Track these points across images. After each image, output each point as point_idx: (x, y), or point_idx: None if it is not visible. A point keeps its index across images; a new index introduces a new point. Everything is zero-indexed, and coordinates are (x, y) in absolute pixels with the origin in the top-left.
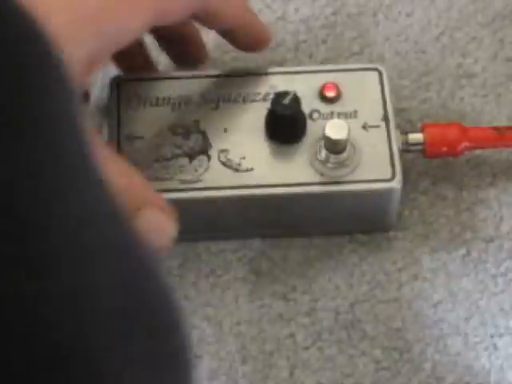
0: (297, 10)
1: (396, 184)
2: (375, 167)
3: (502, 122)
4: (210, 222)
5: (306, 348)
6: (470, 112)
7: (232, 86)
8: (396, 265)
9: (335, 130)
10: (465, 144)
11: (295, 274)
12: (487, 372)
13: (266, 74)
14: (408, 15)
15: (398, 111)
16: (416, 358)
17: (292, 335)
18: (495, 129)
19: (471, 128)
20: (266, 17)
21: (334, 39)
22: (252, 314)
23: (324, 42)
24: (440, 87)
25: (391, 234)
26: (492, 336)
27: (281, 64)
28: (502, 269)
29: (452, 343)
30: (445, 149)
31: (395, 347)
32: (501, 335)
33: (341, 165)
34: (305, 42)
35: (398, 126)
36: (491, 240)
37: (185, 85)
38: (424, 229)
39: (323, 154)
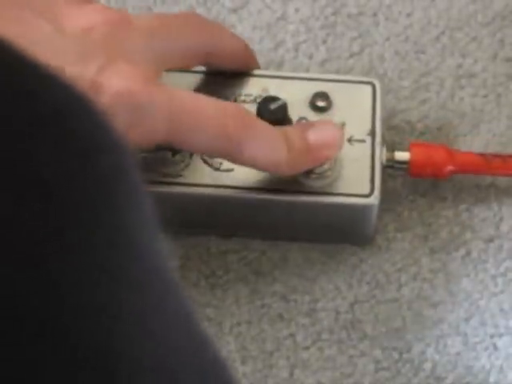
0: (297, 10)
1: (373, 200)
2: (354, 181)
3: (502, 121)
4: (186, 217)
5: (306, 348)
6: (470, 112)
7: (225, 84)
8: (396, 265)
9: None
10: (450, 168)
11: (295, 275)
12: (487, 372)
13: (261, 76)
14: (408, 15)
15: (398, 112)
16: (416, 358)
17: (292, 335)
18: (482, 155)
19: (458, 153)
20: (266, 17)
21: (334, 39)
22: (252, 315)
23: (324, 42)
24: (440, 87)
25: (391, 234)
26: (492, 336)
27: (280, 64)
28: (502, 269)
29: (452, 343)
30: (430, 171)
31: (395, 347)
32: (501, 335)
33: (320, 176)
34: (305, 42)
35: (387, 137)
36: (491, 240)
37: (179, 79)
38: (423, 229)
39: None
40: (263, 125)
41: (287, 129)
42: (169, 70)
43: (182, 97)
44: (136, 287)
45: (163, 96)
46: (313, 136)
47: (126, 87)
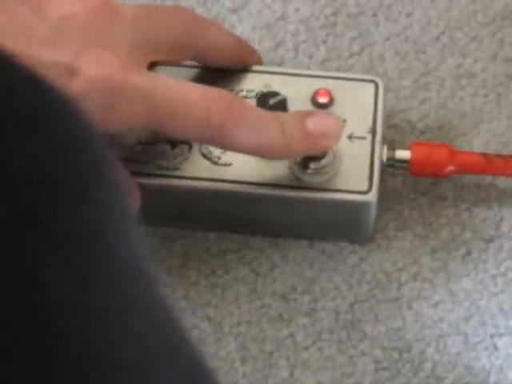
0: (297, 10)
1: (371, 197)
2: (353, 178)
3: (502, 121)
4: (183, 210)
5: (306, 348)
6: (470, 112)
7: (227, 80)
8: (396, 265)
9: None
10: (451, 168)
11: (295, 274)
12: (487, 372)
13: (263, 72)
14: (408, 15)
15: (398, 111)
16: (416, 358)
17: (292, 335)
18: (484, 155)
19: (460, 152)
20: (266, 17)
21: (334, 39)
22: (252, 314)
23: (324, 42)
24: (440, 87)
25: (391, 233)
26: (492, 336)
27: (280, 64)
28: (502, 269)
29: (452, 343)
30: (430, 170)
31: (395, 347)
32: (501, 335)
33: (319, 171)
34: (305, 42)
35: (387, 136)
36: (491, 240)
37: (182, 73)
38: (424, 229)
39: (303, 159)
40: (253, 110)
41: (283, 114)
42: (159, 64)
43: (164, 83)
44: (120, 285)
45: (143, 81)
46: (312, 124)
47: (102, 72)
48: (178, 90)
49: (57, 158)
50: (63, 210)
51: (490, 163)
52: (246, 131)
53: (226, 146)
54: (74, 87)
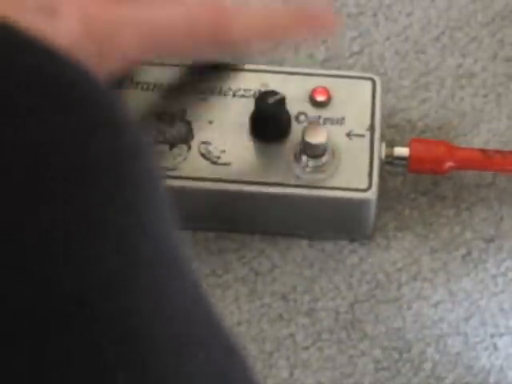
0: None
1: (371, 195)
2: (352, 176)
3: (502, 121)
4: (183, 211)
5: (306, 348)
6: (470, 111)
7: (224, 79)
8: (396, 265)
9: (314, 134)
10: (450, 164)
11: (295, 274)
12: (487, 372)
13: (260, 71)
14: (408, 15)
15: (398, 111)
16: (416, 358)
17: (292, 335)
18: (483, 151)
19: (459, 148)
20: None
21: (334, 39)
22: (252, 314)
23: (324, 41)
24: (440, 87)
25: (391, 233)
26: (492, 336)
27: (281, 64)
28: (502, 269)
29: (452, 343)
30: (429, 166)
31: (395, 347)
32: (501, 335)
33: (318, 170)
34: (305, 41)
35: (387, 135)
36: (491, 240)
37: (179, 73)
38: (424, 229)
39: (302, 157)
40: (239, 9)
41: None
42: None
43: (147, 11)
44: (151, 265)
45: (125, 12)
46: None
47: (82, 10)
48: (161, 14)
49: (92, 142)
50: (99, 195)
51: (489, 159)
52: (239, 28)
53: (225, 47)
54: (60, 31)
